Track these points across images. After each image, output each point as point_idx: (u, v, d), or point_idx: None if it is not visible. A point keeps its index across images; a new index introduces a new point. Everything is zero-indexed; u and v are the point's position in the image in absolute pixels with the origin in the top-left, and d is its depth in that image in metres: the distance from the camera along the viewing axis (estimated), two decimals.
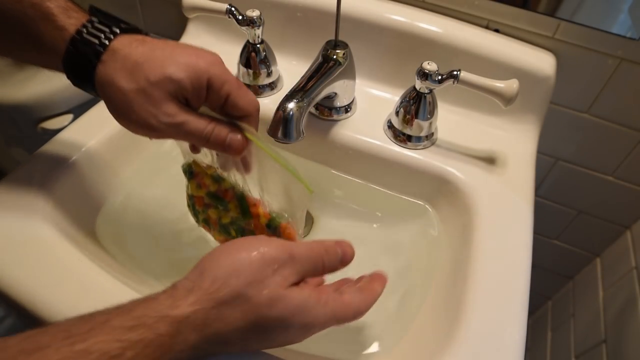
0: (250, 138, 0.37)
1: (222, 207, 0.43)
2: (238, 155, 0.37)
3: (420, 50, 0.60)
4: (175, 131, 0.35)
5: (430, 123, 0.56)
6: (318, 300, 0.31)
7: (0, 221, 0.43)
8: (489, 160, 0.56)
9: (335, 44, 0.54)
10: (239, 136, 0.37)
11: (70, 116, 0.88)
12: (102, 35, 0.34)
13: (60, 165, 0.49)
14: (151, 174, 0.58)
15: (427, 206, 0.57)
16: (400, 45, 0.61)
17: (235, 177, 0.42)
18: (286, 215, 0.41)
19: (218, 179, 0.43)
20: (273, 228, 0.41)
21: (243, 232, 0.43)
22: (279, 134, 0.45)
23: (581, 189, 0.74)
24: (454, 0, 0.61)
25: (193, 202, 0.46)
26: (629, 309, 0.69)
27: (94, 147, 0.52)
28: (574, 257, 0.85)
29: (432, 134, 0.58)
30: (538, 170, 0.60)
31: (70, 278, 0.40)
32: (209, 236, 0.48)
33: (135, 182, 0.56)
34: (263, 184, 0.41)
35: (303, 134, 0.47)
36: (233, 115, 0.37)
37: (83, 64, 0.34)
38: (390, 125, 0.58)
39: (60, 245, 0.43)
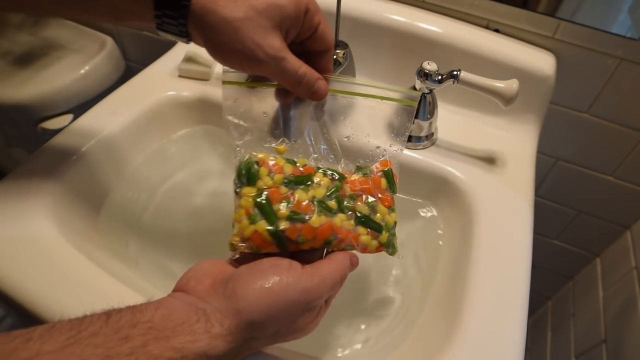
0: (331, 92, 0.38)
1: (310, 182, 0.37)
2: (319, 100, 0.38)
3: (420, 50, 0.60)
4: (274, 67, 0.34)
5: (430, 123, 0.56)
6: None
7: (0, 221, 0.43)
8: (489, 160, 0.56)
9: (335, 44, 0.54)
10: (325, 82, 0.37)
11: (70, 116, 0.88)
12: None
13: (60, 165, 0.49)
14: (153, 174, 0.58)
15: (427, 206, 0.57)
16: (400, 45, 0.61)
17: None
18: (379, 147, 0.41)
19: (291, 160, 0.38)
20: (366, 173, 0.40)
21: (341, 202, 0.37)
22: (280, 134, 0.45)
23: (581, 189, 0.74)
24: (454, 0, 0.61)
25: (267, 200, 0.35)
26: (629, 309, 0.69)
27: (93, 147, 0.52)
28: (574, 257, 0.85)
29: (432, 134, 0.58)
30: (538, 170, 0.60)
31: (70, 278, 0.40)
32: (213, 236, 0.48)
33: (137, 182, 0.56)
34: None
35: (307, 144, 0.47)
36: (315, 49, 0.37)
37: None
38: None
39: (60, 245, 0.42)
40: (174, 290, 0.33)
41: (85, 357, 0.24)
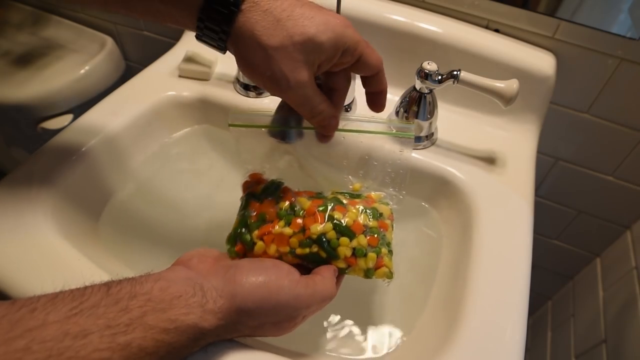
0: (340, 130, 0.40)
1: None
2: (326, 137, 0.39)
3: (420, 50, 0.60)
4: (296, 96, 0.35)
5: (430, 123, 0.56)
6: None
7: (0, 221, 0.43)
8: (489, 160, 0.56)
9: None
10: (337, 121, 0.38)
11: (70, 116, 0.88)
12: None
13: (60, 165, 0.49)
14: (153, 174, 0.58)
15: (427, 206, 0.57)
16: (400, 45, 0.61)
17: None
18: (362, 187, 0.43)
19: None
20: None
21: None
22: (279, 134, 0.45)
23: (581, 189, 0.74)
24: (454, 0, 0.61)
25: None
26: (629, 309, 0.69)
27: (93, 147, 0.52)
28: (574, 257, 0.85)
29: (432, 134, 0.58)
30: (538, 170, 0.60)
31: (70, 278, 0.40)
32: (214, 233, 0.48)
33: (137, 182, 0.56)
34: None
35: (303, 134, 0.47)
36: (360, 73, 0.38)
37: (221, 12, 0.32)
38: None
39: (60, 245, 0.42)
40: (175, 265, 0.34)
41: (87, 327, 0.26)
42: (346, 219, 0.38)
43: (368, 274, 0.39)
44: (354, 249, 0.38)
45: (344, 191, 0.42)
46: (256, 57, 0.33)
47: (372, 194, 0.42)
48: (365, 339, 0.47)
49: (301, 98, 0.35)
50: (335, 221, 0.37)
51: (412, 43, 0.60)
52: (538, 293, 0.97)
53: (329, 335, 0.47)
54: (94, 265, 0.42)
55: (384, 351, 0.45)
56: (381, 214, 0.40)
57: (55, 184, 0.47)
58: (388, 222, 0.40)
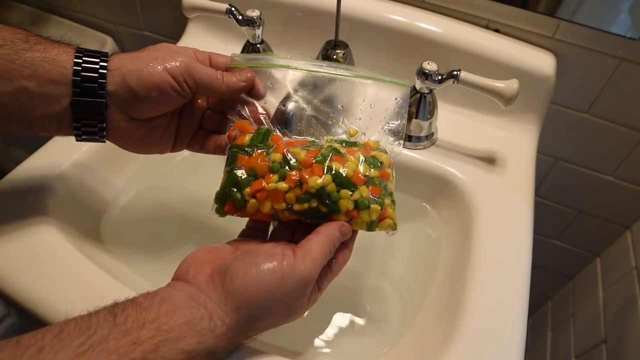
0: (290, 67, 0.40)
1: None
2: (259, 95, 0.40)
3: (420, 50, 0.60)
4: (189, 78, 0.37)
5: (430, 123, 0.56)
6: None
7: (0, 221, 0.43)
8: (489, 160, 0.56)
9: (335, 44, 0.54)
10: (248, 73, 0.40)
11: None
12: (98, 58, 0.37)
13: (60, 164, 0.49)
14: (156, 173, 0.58)
15: (427, 206, 0.57)
16: (400, 45, 0.61)
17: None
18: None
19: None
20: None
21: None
22: (283, 122, 0.45)
23: (581, 189, 0.74)
24: (454, 0, 0.61)
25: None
26: (629, 309, 0.69)
27: (94, 147, 0.52)
28: (574, 257, 0.85)
29: (432, 134, 0.58)
30: (538, 170, 0.60)
31: (70, 278, 0.40)
32: (215, 234, 0.48)
33: (139, 181, 0.56)
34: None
35: (302, 133, 0.47)
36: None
37: (92, 69, 0.36)
38: None
39: (60, 245, 0.43)
40: (174, 279, 0.33)
41: None
42: (346, 170, 0.35)
43: (371, 226, 0.36)
44: (356, 201, 0.35)
45: (340, 139, 0.40)
46: (141, 71, 0.38)
47: (370, 140, 0.40)
48: (365, 339, 0.47)
49: (196, 72, 0.37)
50: (334, 172, 0.35)
51: (412, 43, 0.60)
52: (538, 293, 0.97)
53: (327, 334, 0.47)
54: (95, 265, 0.42)
55: (384, 351, 0.45)
56: (382, 163, 0.38)
57: (56, 184, 0.47)
58: (389, 170, 0.38)
